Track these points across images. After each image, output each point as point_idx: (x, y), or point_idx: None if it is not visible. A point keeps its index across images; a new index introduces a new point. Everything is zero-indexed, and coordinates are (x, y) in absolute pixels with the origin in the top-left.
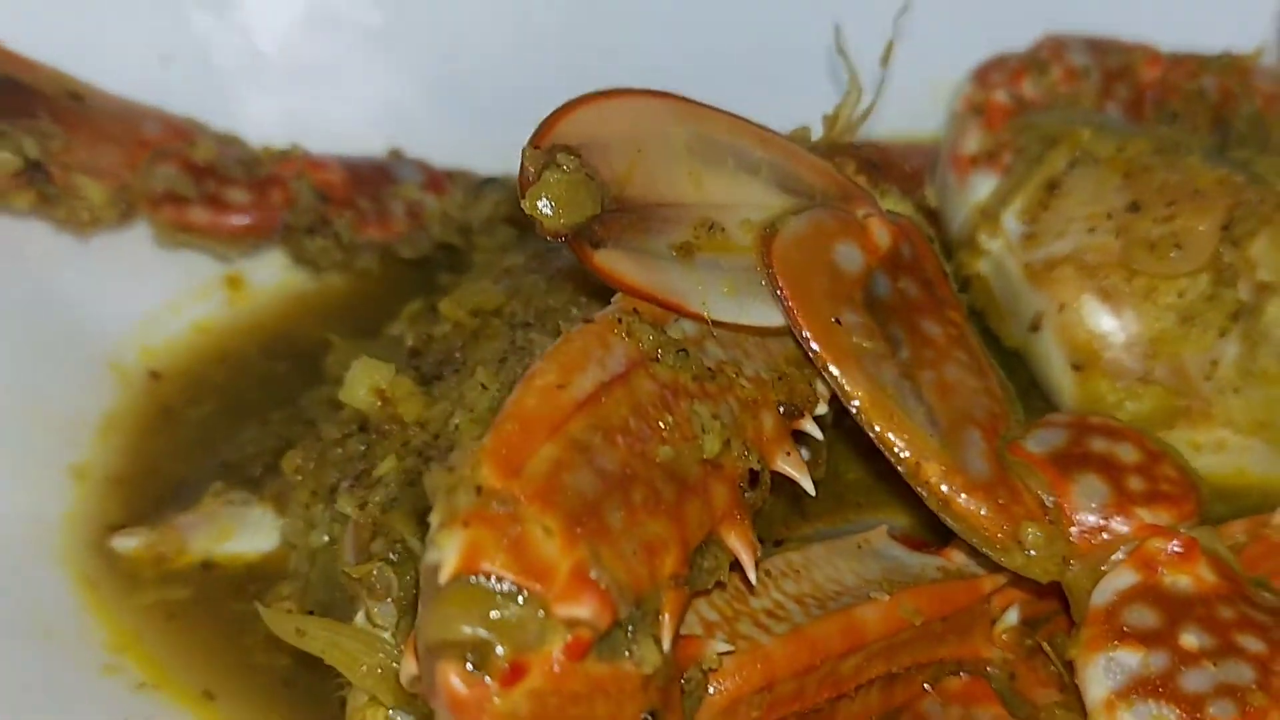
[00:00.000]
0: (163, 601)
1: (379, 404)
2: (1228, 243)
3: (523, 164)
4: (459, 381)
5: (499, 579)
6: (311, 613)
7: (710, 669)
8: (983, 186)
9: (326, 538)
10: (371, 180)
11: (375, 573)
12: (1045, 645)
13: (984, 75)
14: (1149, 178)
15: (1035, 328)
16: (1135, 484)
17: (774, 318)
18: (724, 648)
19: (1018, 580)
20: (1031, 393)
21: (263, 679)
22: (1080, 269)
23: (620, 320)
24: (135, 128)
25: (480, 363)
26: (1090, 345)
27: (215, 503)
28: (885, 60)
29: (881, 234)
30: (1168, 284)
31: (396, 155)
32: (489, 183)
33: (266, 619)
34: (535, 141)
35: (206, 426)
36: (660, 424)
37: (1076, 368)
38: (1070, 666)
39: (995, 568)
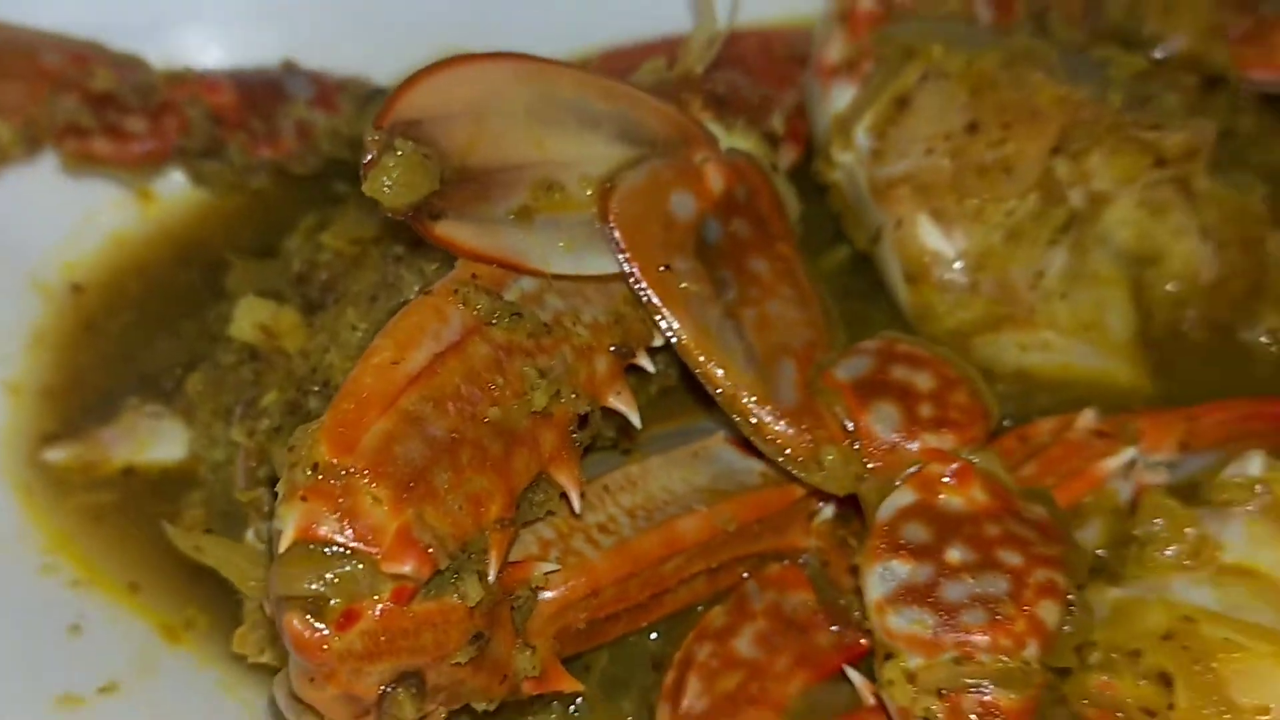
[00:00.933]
0: (91, 504)
1: (265, 337)
2: (1064, 156)
3: (365, 146)
4: (338, 313)
5: (332, 544)
6: (210, 530)
7: (538, 587)
8: (842, 97)
9: (225, 455)
10: (263, 99)
11: (261, 497)
12: (852, 540)
13: None
14: (993, 95)
15: (876, 240)
16: (926, 411)
17: (611, 266)
18: (549, 568)
19: None
20: (880, 292)
21: (180, 572)
22: (916, 189)
23: (456, 290)
24: (35, 60)
25: (354, 298)
26: (922, 260)
27: (133, 415)
28: None
29: (716, 180)
30: (996, 204)
31: (289, 67)
32: (377, 94)
33: (170, 535)
34: (377, 121)
35: (125, 338)
36: (491, 386)
37: (909, 280)
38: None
39: None
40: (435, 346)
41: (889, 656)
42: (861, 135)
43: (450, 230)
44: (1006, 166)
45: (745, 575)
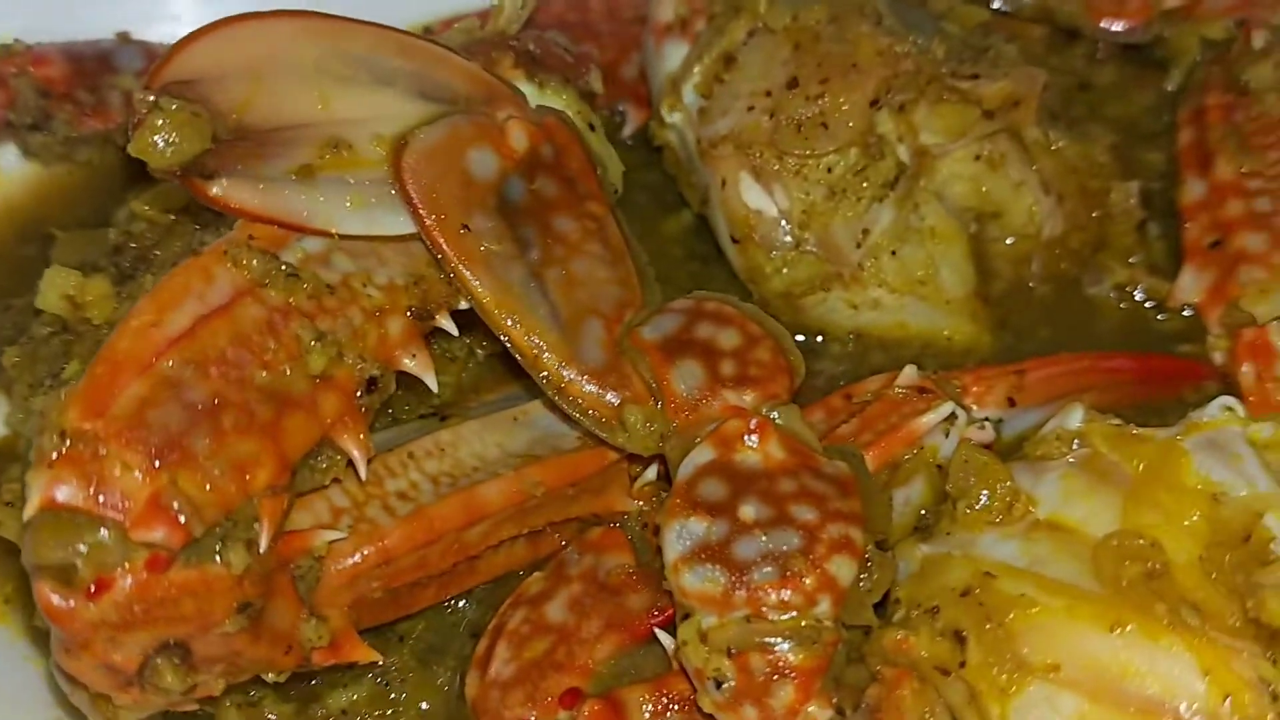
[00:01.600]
0: None
1: (70, 308)
2: (888, 110)
3: (131, 107)
4: (142, 282)
5: (78, 513)
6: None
7: (320, 556)
8: (674, 56)
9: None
10: (92, 71)
11: None
12: None
13: None
14: (815, 49)
15: (705, 202)
16: (728, 368)
17: (406, 226)
18: (333, 536)
19: None
20: (723, 255)
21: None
22: (738, 148)
23: (226, 251)
24: None
25: (159, 267)
26: (746, 220)
27: None
28: None
29: (519, 137)
30: (816, 160)
31: (123, 38)
32: None
33: None
34: (147, 83)
35: None
36: (262, 348)
37: (736, 240)
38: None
39: None
40: (200, 308)
41: (686, 617)
42: (689, 94)
43: (226, 190)
44: (823, 121)
45: (565, 544)
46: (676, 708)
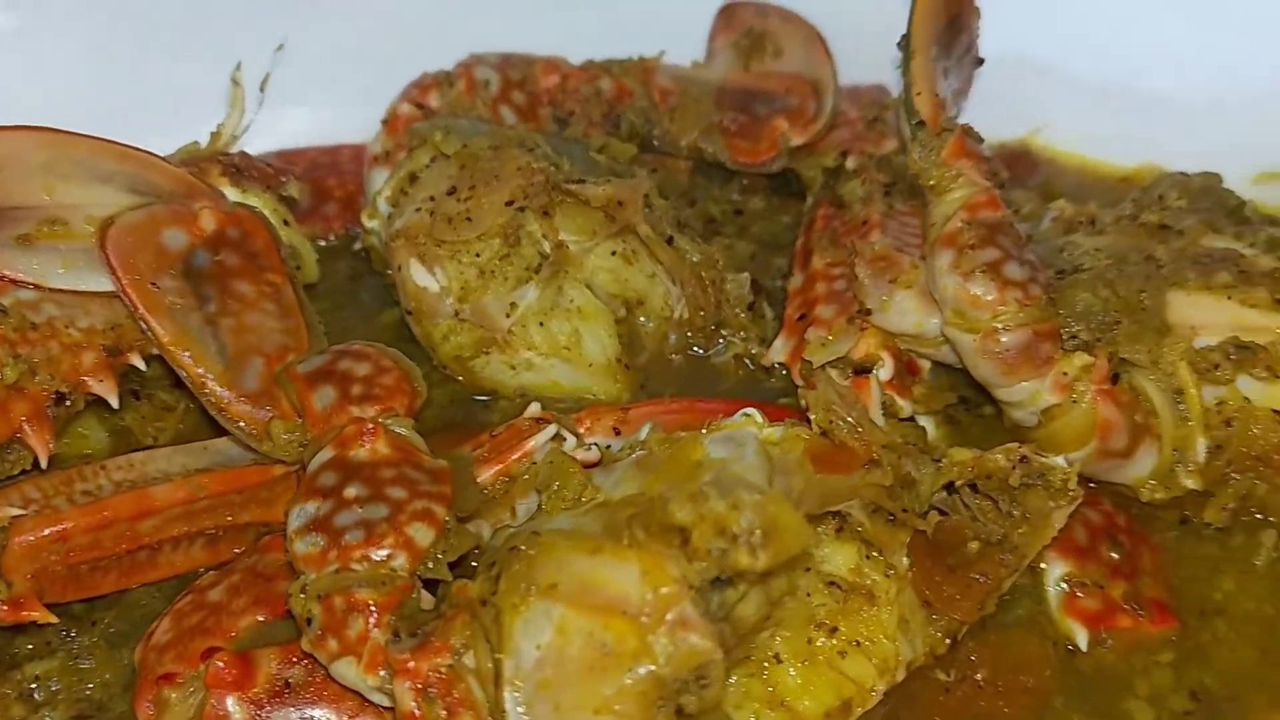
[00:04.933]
0: None
1: None
2: (534, 213)
3: None
4: None
5: None
6: None
7: (4, 527)
8: (379, 179)
9: None
10: None
11: None
12: None
13: (405, 91)
14: (475, 166)
15: (393, 285)
16: (357, 389)
17: (107, 284)
18: (14, 513)
19: None
20: None
21: None
22: (407, 239)
23: None
24: None
25: None
26: (417, 296)
27: None
28: (263, 88)
29: (209, 221)
30: (467, 248)
31: None
32: None
33: None
34: None
35: None
36: None
37: (411, 315)
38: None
39: None
40: None
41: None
42: (382, 205)
43: None
44: (468, 216)
45: (236, 551)
46: (298, 666)
